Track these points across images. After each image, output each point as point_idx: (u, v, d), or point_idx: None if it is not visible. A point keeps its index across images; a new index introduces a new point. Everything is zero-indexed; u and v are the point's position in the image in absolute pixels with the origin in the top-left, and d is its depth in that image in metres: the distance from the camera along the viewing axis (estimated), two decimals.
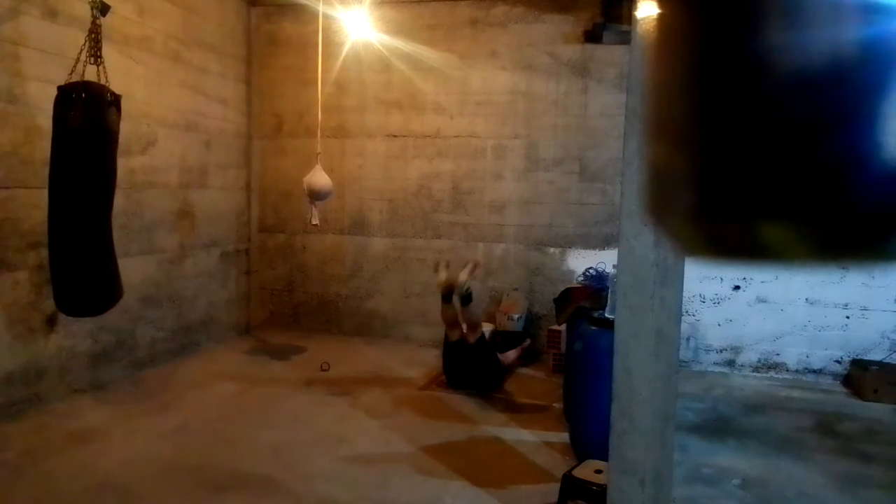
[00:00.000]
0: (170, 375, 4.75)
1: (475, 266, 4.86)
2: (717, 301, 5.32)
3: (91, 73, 3.25)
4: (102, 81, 3.26)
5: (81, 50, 3.18)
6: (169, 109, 4.99)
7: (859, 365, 4.86)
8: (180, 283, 5.22)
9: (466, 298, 4.54)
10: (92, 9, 3.24)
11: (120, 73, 3.22)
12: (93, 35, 3.21)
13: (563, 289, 4.63)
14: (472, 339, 4.53)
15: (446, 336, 4.64)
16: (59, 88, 3.19)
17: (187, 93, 5.21)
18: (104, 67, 3.26)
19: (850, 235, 0.44)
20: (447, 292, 4.59)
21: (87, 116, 3.16)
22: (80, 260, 3.30)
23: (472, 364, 4.52)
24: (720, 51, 0.44)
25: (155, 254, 4.90)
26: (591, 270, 4.60)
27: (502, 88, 5.66)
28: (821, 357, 5.13)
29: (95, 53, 3.22)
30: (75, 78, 3.19)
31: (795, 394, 4.78)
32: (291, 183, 5.92)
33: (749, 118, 0.43)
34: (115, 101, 3.29)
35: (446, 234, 5.89)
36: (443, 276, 4.66)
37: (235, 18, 5.87)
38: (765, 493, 3.16)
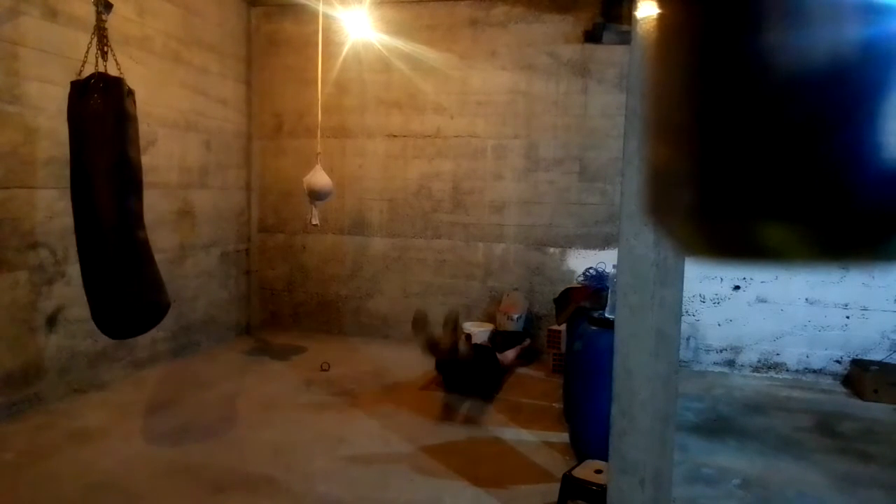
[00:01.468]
0: (170, 375, 4.75)
1: (459, 330, 4.34)
2: (717, 301, 5.32)
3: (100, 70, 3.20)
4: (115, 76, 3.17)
5: (89, 47, 3.15)
6: (169, 109, 4.99)
7: (859, 365, 4.86)
8: (180, 283, 5.22)
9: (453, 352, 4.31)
10: (96, 6, 3.23)
11: (122, 71, 3.21)
12: (99, 32, 3.19)
13: (563, 289, 4.63)
14: (464, 355, 4.33)
15: (436, 355, 4.35)
16: (73, 83, 3.07)
17: (187, 93, 5.21)
18: (116, 61, 3.19)
19: (850, 235, 0.44)
20: (433, 348, 4.23)
21: (108, 102, 2.99)
22: (120, 268, 3.02)
23: (470, 369, 4.49)
24: (720, 51, 0.44)
25: (155, 254, 4.86)
26: (591, 270, 4.60)
27: (502, 88, 5.66)
28: (821, 357, 5.13)
29: (103, 50, 3.19)
30: (84, 75, 3.12)
31: (795, 394, 4.78)
32: (291, 183, 5.92)
33: (749, 118, 0.43)
34: (131, 92, 3.20)
35: (446, 234, 5.89)
36: (421, 338, 4.19)
37: (235, 18, 5.87)
38: (765, 493, 3.16)
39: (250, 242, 6.26)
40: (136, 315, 3.14)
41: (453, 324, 4.23)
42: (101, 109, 3.00)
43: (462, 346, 4.23)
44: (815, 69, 0.42)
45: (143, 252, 3.16)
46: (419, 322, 4.13)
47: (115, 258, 3.03)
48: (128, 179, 3.12)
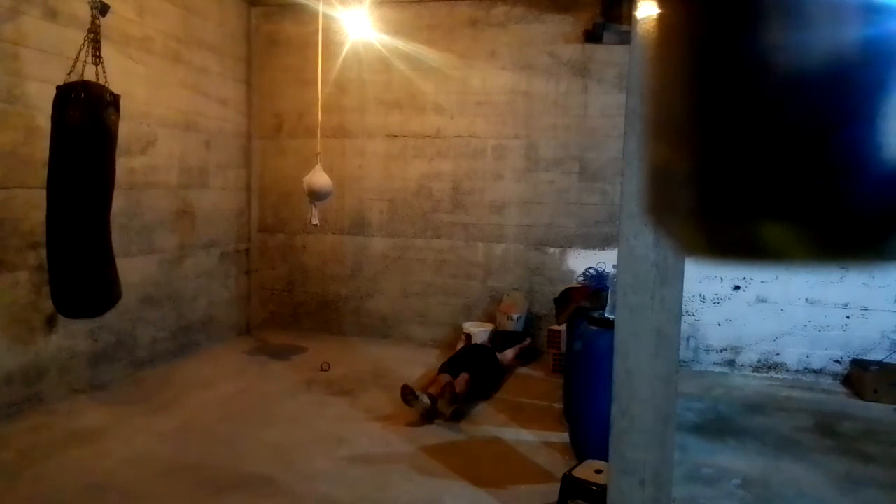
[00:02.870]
0: (170, 375, 4.75)
1: (453, 389, 4.00)
2: (717, 301, 5.32)
3: (90, 73, 3.25)
4: (102, 82, 3.25)
5: (81, 50, 3.17)
6: (169, 109, 4.99)
7: (859, 365, 4.86)
8: (180, 283, 5.22)
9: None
10: (92, 9, 3.24)
11: (120, 73, 3.22)
12: (92, 35, 3.21)
13: (563, 289, 4.62)
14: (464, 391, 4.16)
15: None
16: (58, 88, 3.18)
17: (187, 93, 5.21)
18: (104, 67, 3.26)
19: (850, 235, 0.44)
20: (431, 414, 3.95)
21: (86, 116, 3.14)
22: (79, 261, 3.29)
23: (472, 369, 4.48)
24: (720, 51, 0.44)
25: (155, 254, 4.90)
26: (591, 270, 4.60)
27: (502, 88, 5.66)
28: (821, 357, 5.13)
29: (95, 53, 3.21)
30: (75, 78, 3.19)
31: (795, 394, 4.78)
32: (291, 183, 5.92)
33: (749, 118, 0.43)
34: (115, 101, 3.28)
35: (446, 234, 5.89)
36: (418, 407, 3.93)
37: (235, 18, 5.87)
38: (765, 493, 3.16)
39: (250, 242, 6.26)
40: (86, 304, 3.44)
41: (448, 390, 3.96)
42: (78, 123, 3.11)
43: (459, 388, 4.02)
44: (815, 69, 0.42)
45: (102, 255, 3.40)
46: (407, 393, 3.92)
47: (75, 259, 3.28)
48: (97, 191, 3.31)
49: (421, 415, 3.92)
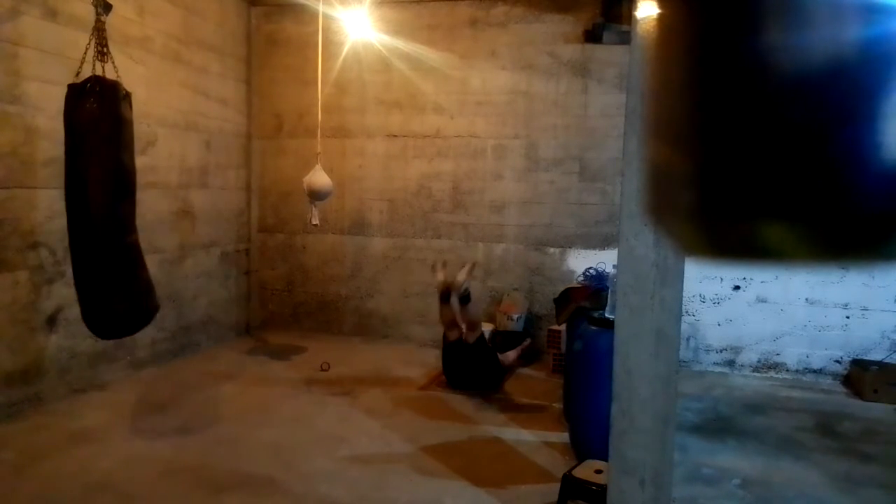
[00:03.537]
0: (170, 375, 4.75)
1: (473, 265, 4.87)
2: (717, 301, 5.31)
3: (97, 72, 3.21)
4: (113, 78, 3.18)
5: (87, 49, 3.15)
6: (169, 109, 4.99)
7: (859, 365, 4.86)
8: (180, 283, 5.22)
9: (465, 298, 4.55)
10: (95, 7, 3.23)
11: (120, 72, 3.21)
12: (98, 33, 3.19)
13: (563, 289, 4.63)
14: (471, 339, 4.53)
15: (445, 336, 4.63)
16: (70, 86, 3.09)
17: (187, 93, 5.21)
18: (114, 64, 3.20)
19: (850, 235, 0.44)
20: (445, 293, 4.57)
21: (104, 108, 3.01)
22: (110, 273, 3.06)
23: (472, 364, 4.52)
24: (720, 51, 0.44)
25: (155, 254, 4.89)
26: (591, 270, 4.60)
27: (502, 88, 5.66)
28: (821, 357, 5.13)
29: (102, 51, 3.19)
30: (81, 77, 3.13)
31: (795, 394, 4.78)
32: (291, 183, 5.92)
33: (749, 118, 0.43)
34: (128, 96, 3.22)
35: (446, 234, 5.89)
36: (440, 276, 4.66)
37: (235, 18, 5.87)
38: (765, 493, 3.16)
39: (250, 242, 6.26)
40: (124, 317, 3.18)
41: (470, 269, 4.76)
42: (96, 114, 3.00)
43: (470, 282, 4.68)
44: (815, 69, 0.42)
45: (133, 256, 3.20)
46: (437, 267, 4.74)
47: (106, 262, 3.07)
48: (121, 185, 3.15)
49: (441, 288, 4.59)
